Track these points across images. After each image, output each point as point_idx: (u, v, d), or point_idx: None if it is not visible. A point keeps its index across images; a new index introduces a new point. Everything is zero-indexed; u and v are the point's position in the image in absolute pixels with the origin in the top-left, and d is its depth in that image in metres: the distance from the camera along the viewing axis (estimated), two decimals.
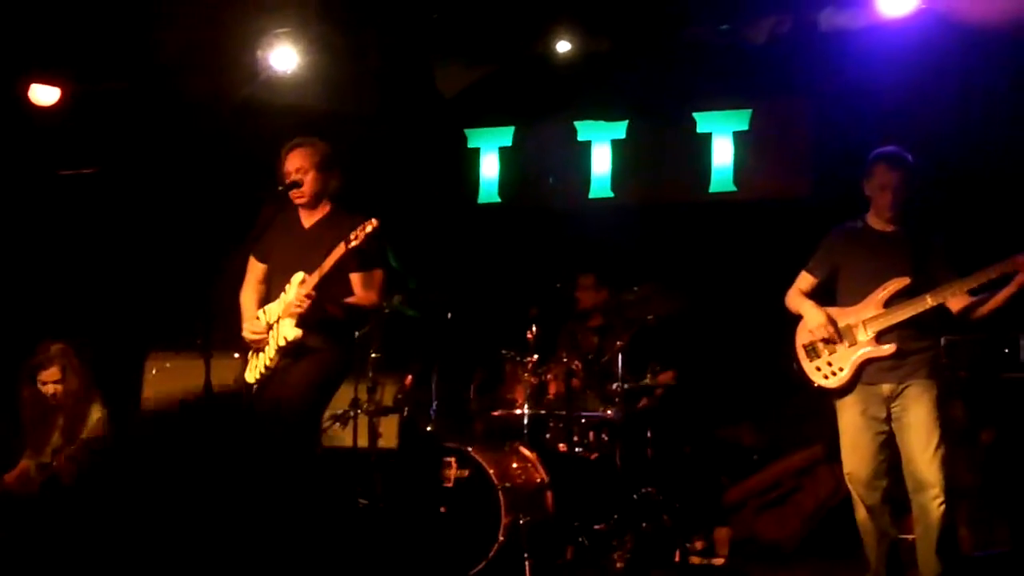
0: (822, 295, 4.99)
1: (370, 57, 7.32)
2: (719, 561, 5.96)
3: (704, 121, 7.82)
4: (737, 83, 7.53)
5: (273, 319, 4.91)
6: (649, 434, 6.43)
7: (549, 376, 6.31)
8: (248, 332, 4.96)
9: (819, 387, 4.90)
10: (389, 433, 6.73)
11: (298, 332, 4.76)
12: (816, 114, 7.39)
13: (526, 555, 5.34)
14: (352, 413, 6.69)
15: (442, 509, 5.59)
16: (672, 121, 7.83)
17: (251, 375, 5.00)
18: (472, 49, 7.45)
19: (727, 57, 7.18)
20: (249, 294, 5.13)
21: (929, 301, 4.66)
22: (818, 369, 4.90)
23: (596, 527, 5.83)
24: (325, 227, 4.94)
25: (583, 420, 6.32)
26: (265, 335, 4.91)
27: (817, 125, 7.38)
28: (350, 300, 4.89)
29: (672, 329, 6.70)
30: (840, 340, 4.81)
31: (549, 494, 5.76)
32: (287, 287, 4.86)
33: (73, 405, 6.19)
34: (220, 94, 7.47)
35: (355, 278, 4.90)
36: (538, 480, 5.78)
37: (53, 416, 6.20)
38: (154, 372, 7.42)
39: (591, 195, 8.03)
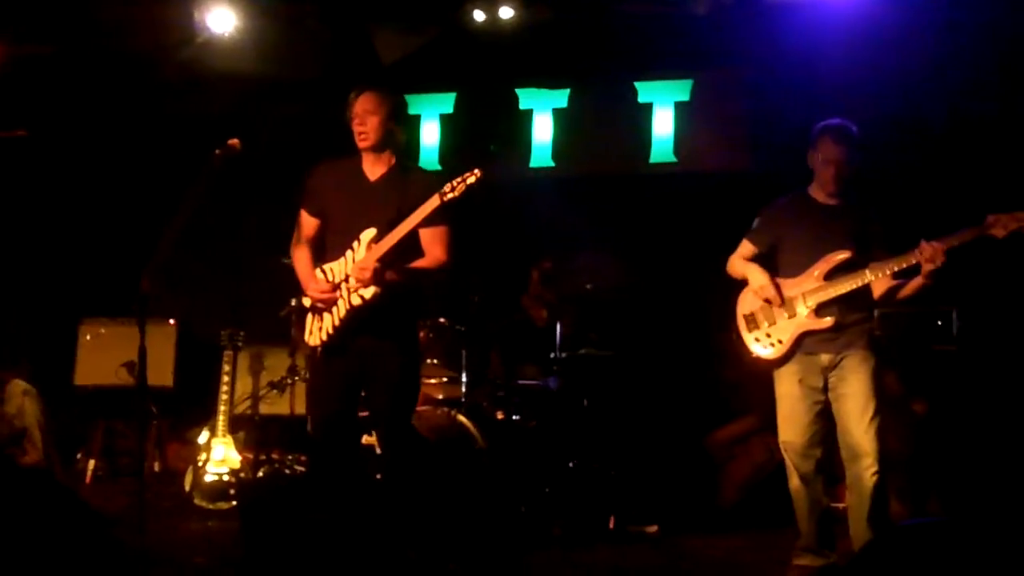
0: (763, 266, 4.99)
1: (308, 22, 7.24)
2: (653, 529, 5.91)
3: (646, 91, 7.83)
4: (679, 53, 7.53)
5: (339, 278, 4.62)
6: (586, 403, 6.42)
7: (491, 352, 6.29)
8: (315, 292, 4.61)
9: (757, 357, 4.93)
10: None
11: (376, 290, 4.49)
12: (758, 85, 7.39)
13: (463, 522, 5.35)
14: (290, 380, 6.76)
15: (377, 476, 5.43)
16: (614, 90, 7.83)
17: (313, 338, 4.69)
18: (412, 15, 7.36)
19: (670, 26, 7.17)
20: (303, 252, 4.78)
21: (868, 276, 4.69)
22: (757, 340, 4.93)
23: (534, 494, 5.84)
24: (394, 180, 4.69)
25: (522, 389, 6.32)
26: (333, 295, 4.60)
27: (759, 96, 7.37)
28: (420, 262, 4.63)
29: (612, 300, 6.69)
30: (782, 303, 4.83)
31: (486, 461, 5.76)
32: (355, 244, 4.59)
33: None
34: (158, 56, 7.34)
35: (422, 235, 4.62)
36: (475, 448, 5.78)
37: None
38: (88, 339, 7.33)
39: (532, 164, 8.01)
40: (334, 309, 4.62)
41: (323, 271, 4.68)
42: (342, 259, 4.63)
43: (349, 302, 4.57)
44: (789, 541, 4.99)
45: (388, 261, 4.50)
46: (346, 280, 4.59)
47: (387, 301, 4.53)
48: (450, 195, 4.40)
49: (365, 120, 4.65)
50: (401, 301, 4.64)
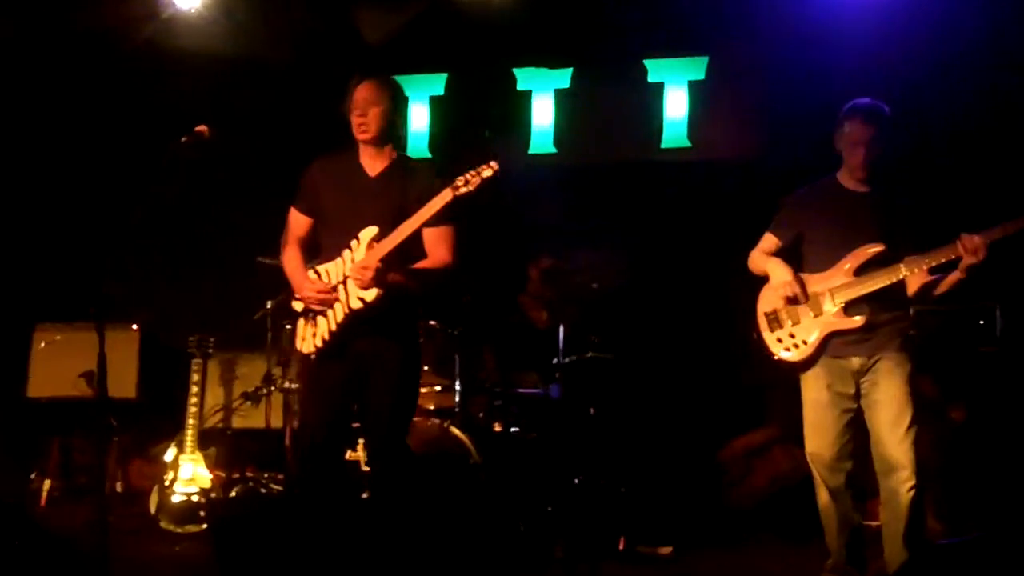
0: (788, 260, 4.81)
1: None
2: (667, 550, 5.74)
3: (656, 69, 7.62)
4: (693, 27, 7.34)
5: (337, 280, 4.49)
6: (592, 413, 6.34)
7: (484, 350, 6.20)
8: (310, 294, 4.48)
9: (780, 360, 4.76)
10: None
11: (378, 292, 4.35)
12: (780, 61, 7.16)
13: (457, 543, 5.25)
14: (265, 390, 6.63)
15: (364, 495, 5.41)
16: (621, 69, 7.62)
17: (307, 344, 4.56)
18: None
19: None
20: (293, 253, 4.67)
21: (903, 271, 4.53)
22: (779, 340, 4.75)
23: (534, 513, 5.74)
24: (395, 175, 4.58)
25: (521, 398, 6.22)
26: (329, 298, 4.47)
27: (781, 74, 7.15)
28: (424, 264, 4.52)
29: (618, 299, 6.58)
30: (806, 300, 4.68)
31: (482, 477, 5.71)
32: (353, 243, 4.47)
33: None
34: (117, 35, 7.16)
35: (426, 234, 4.51)
36: (470, 463, 5.70)
37: None
38: (42, 346, 7.15)
39: (531, 151, 7.82)
40: (330, 313, 4.51)
41: (316, 272, 4.58)
42: (338, 260, 4.53)
43: (348, 305, 4.46)
44: (816, 560, 4.87)
45: (391, 261, 4.38)
46: (344, 282, 4.48)
47: (388, 304, 4.42)
48: (463, 189, 4.31)
49: (366, 110, 4.54)
50: (402, 302, 4.53)
